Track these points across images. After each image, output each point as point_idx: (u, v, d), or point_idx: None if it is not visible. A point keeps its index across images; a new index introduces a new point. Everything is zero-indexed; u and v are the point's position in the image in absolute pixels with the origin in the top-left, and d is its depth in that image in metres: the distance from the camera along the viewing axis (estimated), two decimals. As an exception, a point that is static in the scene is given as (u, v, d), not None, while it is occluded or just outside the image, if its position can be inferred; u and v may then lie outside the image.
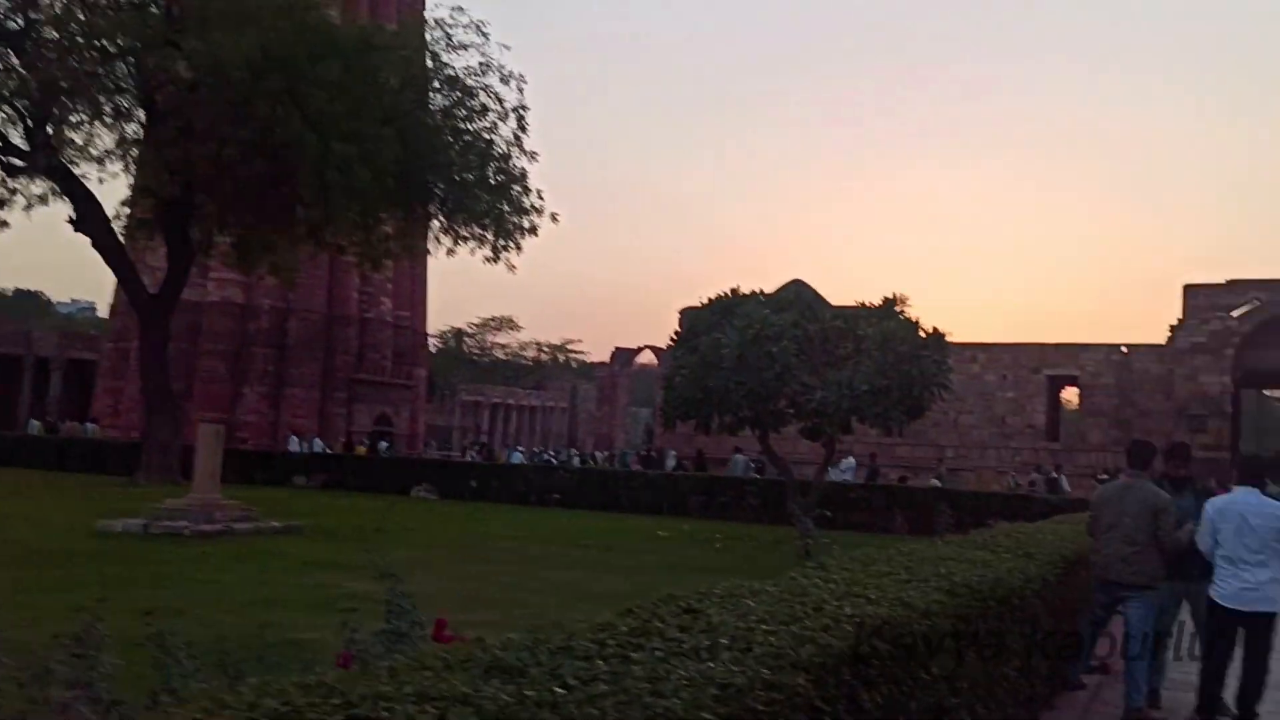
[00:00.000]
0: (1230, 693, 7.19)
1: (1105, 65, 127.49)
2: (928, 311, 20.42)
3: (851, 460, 28.57)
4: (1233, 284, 34.28)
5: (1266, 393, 53.53)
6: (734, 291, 20.03)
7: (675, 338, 20.34)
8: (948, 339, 19.03)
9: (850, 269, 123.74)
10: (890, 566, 4.97)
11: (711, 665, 2.54)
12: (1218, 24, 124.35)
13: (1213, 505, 7.17)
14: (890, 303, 19.41)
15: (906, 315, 19.30)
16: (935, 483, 26.67)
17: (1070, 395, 41.58)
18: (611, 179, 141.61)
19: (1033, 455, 36.44)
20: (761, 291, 20.08)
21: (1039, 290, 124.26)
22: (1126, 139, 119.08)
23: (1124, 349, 36.76)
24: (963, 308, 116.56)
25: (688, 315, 21.50)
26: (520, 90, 26.63)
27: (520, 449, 49.35)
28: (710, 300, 20.14)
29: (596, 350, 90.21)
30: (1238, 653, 7.09)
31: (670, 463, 32.87)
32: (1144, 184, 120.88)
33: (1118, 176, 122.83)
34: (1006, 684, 5.44)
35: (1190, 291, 34.69)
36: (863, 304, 19.83)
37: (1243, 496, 7.06)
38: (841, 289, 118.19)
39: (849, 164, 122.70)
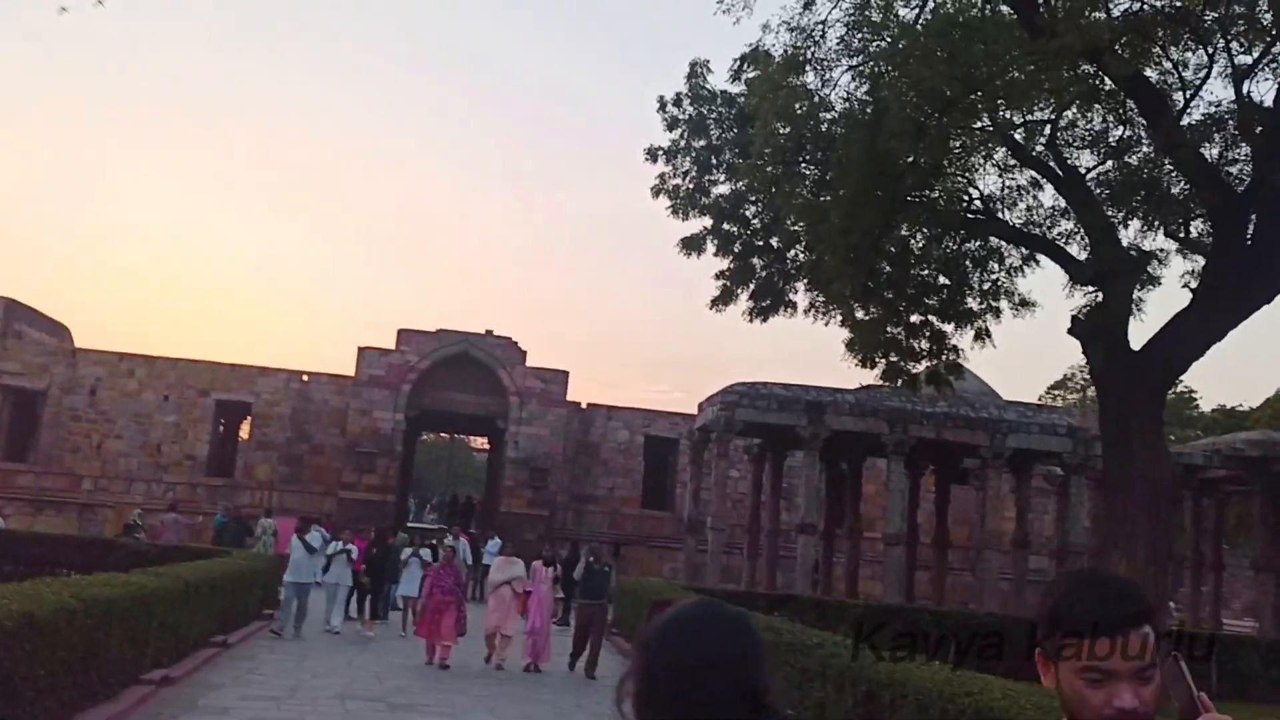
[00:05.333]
0: None
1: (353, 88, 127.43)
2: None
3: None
4: (441, 332, 33.29)
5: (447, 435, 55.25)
6: None
7: None
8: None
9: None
10: None
11: None
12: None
13: None
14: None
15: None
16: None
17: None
18: None
19: (189, 491, 31.33)
20: None
21: (246, 309, 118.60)
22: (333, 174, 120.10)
23: (305, 377, 33.53)
24: (154, 319, 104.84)
25: None
26: None
27: None
28: None
29: None
30: None
31: None
32: (365, 232, 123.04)
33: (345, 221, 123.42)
34: None
35: (403, 335, 32.84)
36: None
37: None
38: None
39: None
